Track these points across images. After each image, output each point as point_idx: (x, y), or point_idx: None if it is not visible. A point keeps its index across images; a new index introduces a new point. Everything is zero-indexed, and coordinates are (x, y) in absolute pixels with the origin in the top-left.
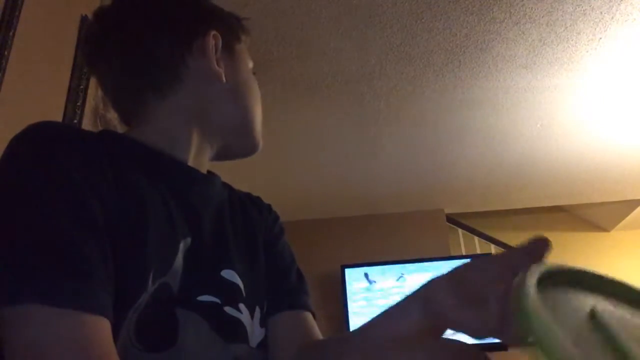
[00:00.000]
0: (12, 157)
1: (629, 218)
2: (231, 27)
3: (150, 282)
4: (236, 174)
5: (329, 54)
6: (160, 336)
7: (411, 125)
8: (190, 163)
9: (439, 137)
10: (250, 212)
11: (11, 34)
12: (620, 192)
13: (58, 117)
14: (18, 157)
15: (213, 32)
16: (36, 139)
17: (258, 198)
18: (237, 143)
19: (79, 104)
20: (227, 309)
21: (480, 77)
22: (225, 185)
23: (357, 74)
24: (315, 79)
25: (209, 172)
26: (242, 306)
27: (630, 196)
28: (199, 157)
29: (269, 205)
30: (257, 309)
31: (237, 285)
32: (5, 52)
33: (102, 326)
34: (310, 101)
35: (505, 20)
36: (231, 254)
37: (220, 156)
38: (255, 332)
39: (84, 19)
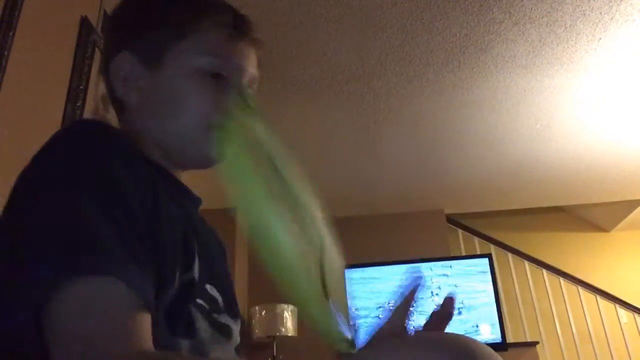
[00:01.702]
0: (58, 149)
1: (628, 218)
2: (159, 36)
3: (177, 276)
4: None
5: (329, 54)
6: (185, 328)
7: (411, 125)
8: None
9: (439, 137)
10: (214, 233)
11: (11, 34)
12: (620, 193)
13: (58, 117)
14: (67, 149)
15: (122, 53)
16: (83, 134)
17: (214, 231)
18: (182, 157)
19: (79, 104)
20: (215, 315)
21: (480, 77)
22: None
23: (357, 74)
24: (315, 79)
25: (189, 190)
26: (225, 315)
27: (629, 196)
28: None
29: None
30: (233, 323)
31: (216, 299)
32: (5, 52)
33: (147, 318)
34: (310, 101)
35: (505, 21)
36: (212, 270)
37: (179, 167)
38: (236, 339)
39: (84, 19)
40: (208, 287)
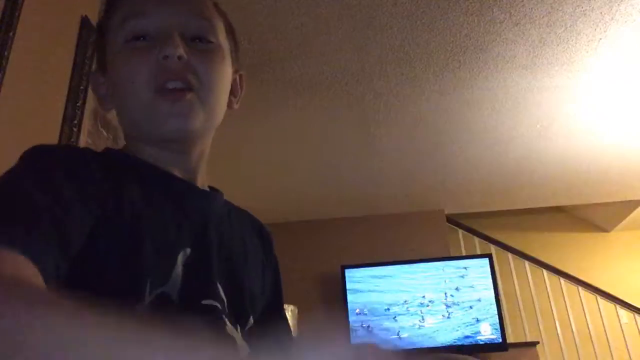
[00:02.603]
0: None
1: (628, 219)
2: (98, 36)
3: (147, 292)
4: (236, 175)
5: (329, 54)
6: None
7: (411, 125)
8: (180, 175)
9: (439, 137)
10: (248, 233)
11: (11, 34)
12: (620, 193)
13: (58, 117)
14: (14, 167)
15: (91, 76)
16: (34, 151)
17: (256, 219)
18: (158, 136)
19: (79, 104)
20: (224, 315)
21: (480, 77)
22: (227, 202)
23: (357, 74)
24: (315, 79)
25: (211, 187)
26: (228, 319)
27: (630, 197)
28: (177, 167)
29: (267, 231)
30: (238, 326)
31: (223, 299)
32: (5, 52)
33: (28, 266)
34: (310, 101)
35: (506, 21)
36: (218, 269)
37: (170, 148)
38: (241, 344)
39: (84, 19)
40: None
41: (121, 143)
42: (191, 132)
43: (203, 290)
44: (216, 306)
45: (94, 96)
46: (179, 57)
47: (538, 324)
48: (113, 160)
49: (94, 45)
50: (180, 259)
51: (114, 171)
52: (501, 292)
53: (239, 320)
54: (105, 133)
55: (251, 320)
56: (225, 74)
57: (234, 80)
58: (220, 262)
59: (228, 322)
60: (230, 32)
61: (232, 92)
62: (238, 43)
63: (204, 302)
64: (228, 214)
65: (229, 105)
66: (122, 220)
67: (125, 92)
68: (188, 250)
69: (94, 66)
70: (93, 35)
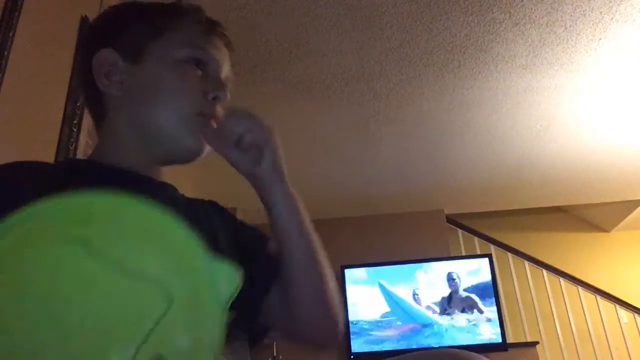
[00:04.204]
0: None
1: (628, 219)
2: (137, 33)
3: None
4: (236, 175)
5: (329, 54)
6: None
7: (411, 125)
8: (143, 172)
9: (439, 137)
10: (213, 216)
11: (11, 34)
12: (620, 193)
13: (58, 117)
14: None
15: (104, 50)
16: None
17: (211, 201)
18: (165, 150)
19: (78, 104)
20: None
21: (480, 77)
22: (182, 195)
23: (357, 74)
24: (315, 79)
25: (163, 182)
26: None
27: (629, 197)
28: (146, 167)
29: (216, 202)
30: None
31: None
32: (5, 52)
33: None
34: (310, 101)
35: (505, 21)
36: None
37: (165, 162)
38: None
39: (84, 19)
40: None
41: None
42: (199, 156)
43: None
44: None
45: (81, 77)
46: (221, 102)
47: (538, 324)
48: (72, 168)
49: (132, 24)
50: None
51: (69, 179)
52: (501, 292)
53: None
54: None
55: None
56: None
57: None
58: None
59: None
60: None
61: None
62: None
63: None
64: (189, 204)
65: None
66: None
67: (162, 100)
68: None
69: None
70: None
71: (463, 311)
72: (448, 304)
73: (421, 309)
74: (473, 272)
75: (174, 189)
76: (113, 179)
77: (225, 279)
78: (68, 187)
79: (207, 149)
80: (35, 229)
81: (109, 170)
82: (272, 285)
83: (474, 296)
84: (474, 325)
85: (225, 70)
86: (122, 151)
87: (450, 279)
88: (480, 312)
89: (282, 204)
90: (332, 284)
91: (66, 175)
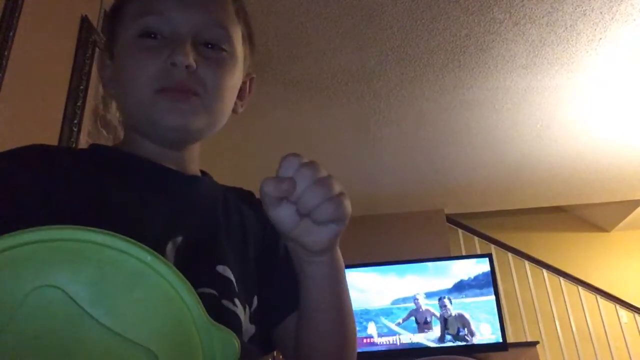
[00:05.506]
0: None
1: (628, 218)
2: (111, 18)
3: None
4: (236, 175)
5: (329, 54)
6: None
7: (411, 125)
8: (172, 166)
9: (439, 137)
10: (243, 208)
11: (11, 34)
12: (620, 193)
13: (58, 117)
14: None
15: (97, 40)
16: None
17: (246, 191)
18: (155, 135)
19: (79, 104)
20: (224, 302)
21: (480, 77)
22: (219, 185)
23: (357, 74)
24: (315, 79)
25: (202, 171)
26: (237, 300)
27: (630, 197)
28: (164, 157)
29: (251, 193)
30: (247, 306)
31: (231, 280)
32: (5, 52)
33: None
34: (310, 101)
35: (505, 21)
36: (224, 250)
37: (170, 147)
38: (246, 327)
39: (84, 19)
40: (220, 268)
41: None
42: (191, 132)
43: (198, 278)
44: (211, 294)
45: (98, 75)
46: (187, 67)
47: (538, 324)
48: (94, 155)
49: (104, 27)
50: (169, 249)
51: (94, 166)
52: (501, 292)
53: (247, 300)
54: (105, 133)
55: (255, 301)
56: (234, 82)
57: (243, 84)
58: (224, 243)
59: (232, 306)
60: (248, 37)
61: (240, 96)
62: (255, 46)
63: (199, 290)
64: (223, 195)
65: (234, 109)
66: (80, 214)
67: (127, 87)
68: (179, 238)
69: (95, 65)
70: (106, 15)
71: (458, 332)
72: (445, 328)
73: (420, 340)
74: (473, 272)
75: (204, 181)
76: (139, 170)
77: (222, 349)
78: (89, 173)
79: (199, 121)
80: (10, 264)
81: (135, 160)
82: (288, 317)
83: (465, 314)
84: (474, 325)
85: (191, 23)
86: (135, 141)
87: (443, 305)
88: (472, 334)
89: (321, 275)
90: (353, 346)
91: (90, 160)
